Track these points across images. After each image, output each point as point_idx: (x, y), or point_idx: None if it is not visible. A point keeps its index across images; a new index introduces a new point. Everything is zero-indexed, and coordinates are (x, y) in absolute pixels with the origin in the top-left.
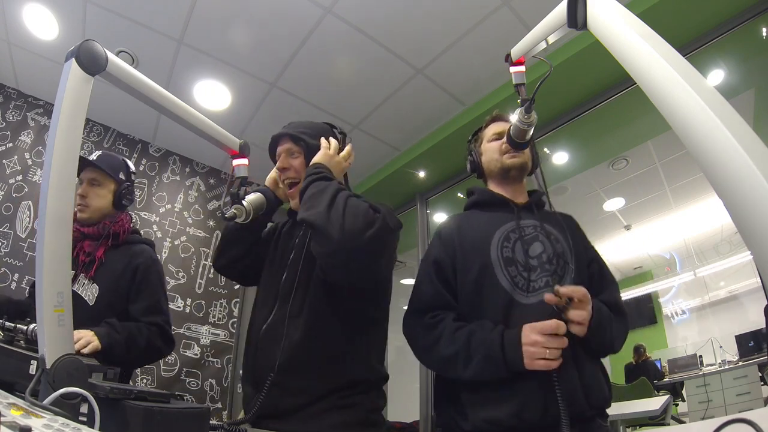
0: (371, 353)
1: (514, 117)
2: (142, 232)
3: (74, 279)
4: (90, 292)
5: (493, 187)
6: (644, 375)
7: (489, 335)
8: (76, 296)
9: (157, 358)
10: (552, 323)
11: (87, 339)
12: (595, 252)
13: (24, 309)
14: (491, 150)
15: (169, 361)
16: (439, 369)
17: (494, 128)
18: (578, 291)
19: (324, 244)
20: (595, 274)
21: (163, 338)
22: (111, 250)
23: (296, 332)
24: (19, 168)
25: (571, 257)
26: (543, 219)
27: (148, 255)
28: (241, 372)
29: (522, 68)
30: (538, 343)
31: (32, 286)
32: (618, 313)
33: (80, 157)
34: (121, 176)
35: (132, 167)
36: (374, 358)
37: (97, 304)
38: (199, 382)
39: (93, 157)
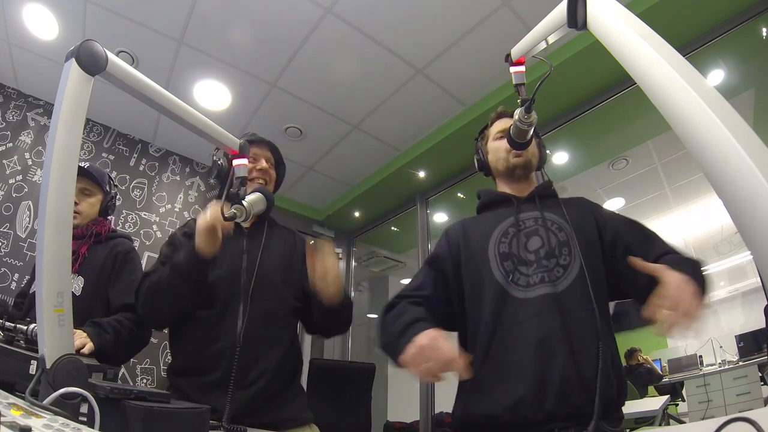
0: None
1: (514, 117)
2: (142, 232)
3: None
4: (76, 284)
5: (501, 184)
6: (635, 380)
7: (396, 328)
8: None
9: (140, 346)
10: (446, 353)
11: (81, 341)
12: (620, 220)
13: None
14: (496, 149)
15: (169, 361)
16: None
17: (499, 125)
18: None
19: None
20: (634, 233)
21: (139, 323)
22: (93, 247)
23: (280, 332)
24: (19, 168)
25: (574, 245)
26: (545, 209)
27: (126, 245)
28: (167, 374)
29: (522, 68)
30: (423, 348)
31: (18, 295)
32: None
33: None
34: (108, 188)
35: (114, 181)
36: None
37: (83, 294)
38: None
39: (82, 165)
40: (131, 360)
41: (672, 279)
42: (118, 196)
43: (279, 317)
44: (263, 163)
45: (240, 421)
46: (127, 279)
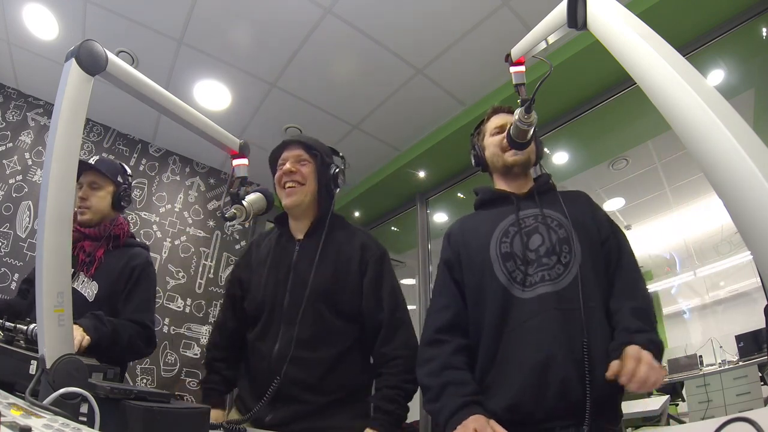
0: (363, 364)
1: (514, 117)
2: (142, 232)
3: (74, 276)
4: (90, 289)
5: (498, 181)
6: None
7: (450, 401)
8: (75, 293)
9: (137, 357)
10: None
11: (78, 337)
12: (611, 228)
13: (18, 310)
14: (493, 145)
15: (169, 361)
16: (419, 382)
17: (495, 121)
18: (623, 369)
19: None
20: (612, 254)
21: (145, 338)
22: (110, 251)
23: (323, 353)
24: (19, 168)
25: (574, 241)
26: (544, 205)
27: (144, 258)
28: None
29: (522, 68)
30: None
31: (23, 281)
32: (644, 304)
33: (81, 160)
34: (119, 179)
35: (129, 171)
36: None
37: (96, 301)
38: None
39: (91, 161)
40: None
41: (629, 351)
42: (132, 187)
43: (322, 338)
44: (287, 165)
45: (280, 429)
46: (141, 297)
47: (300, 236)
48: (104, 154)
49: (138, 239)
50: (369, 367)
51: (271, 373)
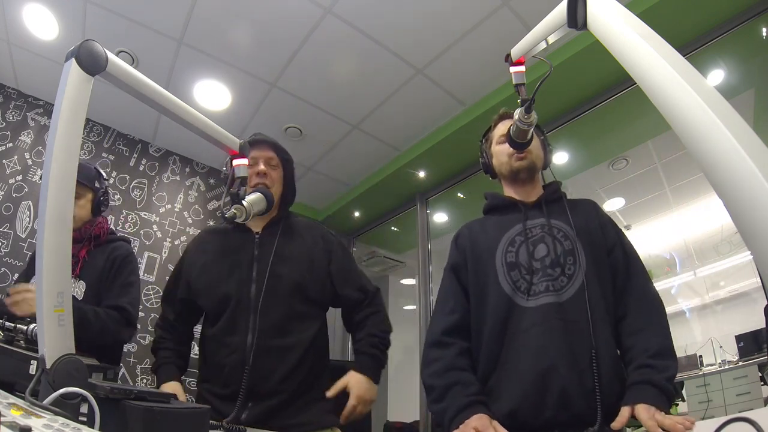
0: (326, 350)
1: (514, 117)
2: (142, 232)
3: None
4: (77, 288)
5: (507, 188)
6: None
7: (455, 401)
8: None
9: (113, 340)
10: None
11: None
12: (618, 236)
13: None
14: (500, 153)
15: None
16: (423, 382)
17: (502, 128)
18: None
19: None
20: (619, 263)
21: (124, 321)
22: (93, 251)
23: (295, 340)
24: (19, 168)
25: (578, 252)
26: (551, 215)
27: (125, 248)
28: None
29: (522, 68)
30: None
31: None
32: (654, 311)
33: None
34: (97, 185)
35: (104, 174)
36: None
37: (85, 299)
38: None
39: None
40: (131, 360)
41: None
42: (108, 189)
43: (293, 326)
44: (261, 166)
45: (256, 427)
46: (122, 283)
47: (258, 230)
48: (104, 154)
49: (121, 235)
50: (327, 355)
51: (243, 365)
